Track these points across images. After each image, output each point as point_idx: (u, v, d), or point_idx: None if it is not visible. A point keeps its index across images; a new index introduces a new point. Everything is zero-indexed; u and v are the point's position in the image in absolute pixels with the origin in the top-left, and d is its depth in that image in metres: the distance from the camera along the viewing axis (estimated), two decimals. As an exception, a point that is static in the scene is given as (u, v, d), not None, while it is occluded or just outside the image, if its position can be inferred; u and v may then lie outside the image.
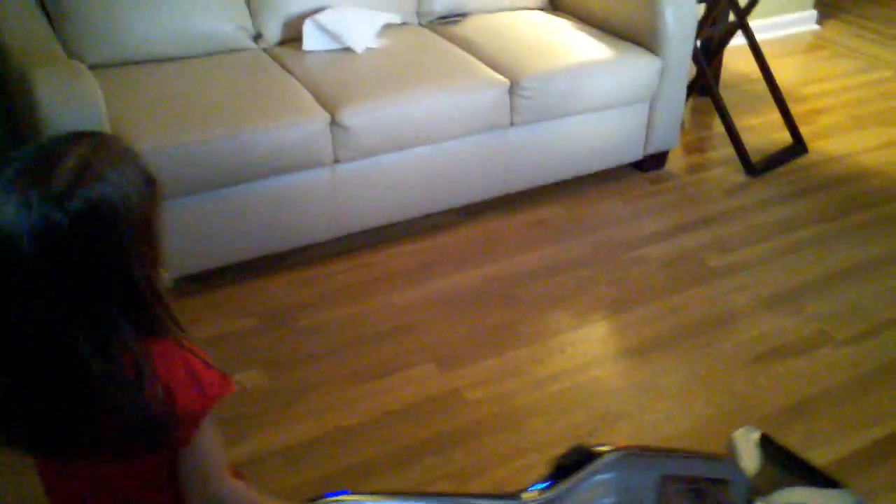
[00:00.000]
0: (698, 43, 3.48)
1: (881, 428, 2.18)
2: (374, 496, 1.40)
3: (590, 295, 2.69)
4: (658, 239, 2.97)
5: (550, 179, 3.13)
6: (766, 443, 1.91)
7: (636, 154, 3.28)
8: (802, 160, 3.50)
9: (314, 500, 1.18)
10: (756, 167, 3.38)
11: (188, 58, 2.85)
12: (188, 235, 2.52)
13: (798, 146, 3.55)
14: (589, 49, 3.07)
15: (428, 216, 2.95)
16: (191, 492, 1.11)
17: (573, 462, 1.42)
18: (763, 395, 2.29)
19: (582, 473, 1.39)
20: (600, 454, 1.41)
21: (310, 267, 2.76)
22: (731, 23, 3.69)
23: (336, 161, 2.66)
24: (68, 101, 2.22)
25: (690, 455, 1.67)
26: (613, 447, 1.45)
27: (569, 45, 3.10)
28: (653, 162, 3.37)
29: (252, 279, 2.69)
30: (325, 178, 2.67)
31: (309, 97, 2.69)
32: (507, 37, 3.16)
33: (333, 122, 2.61)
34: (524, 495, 1.39)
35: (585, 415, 2.21)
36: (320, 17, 2.98)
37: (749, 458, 1.86)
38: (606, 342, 2.53)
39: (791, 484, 1.81)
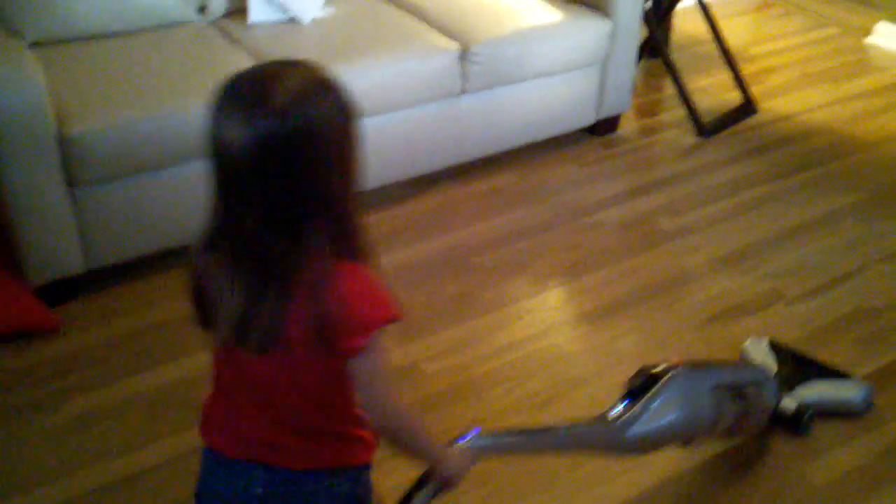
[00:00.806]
0: (648, 4, 3.47)
1: (833, 383, 2.22)
2: (502, 434, 1.60)
3: (547, 261, 2.69)
4: (613, 203, 2.98)
5: (504, 147, 3.13)
6: (776, 347, 2.21)
7: (589, 118, 3.28)
8: (753, 120, 3.53)
9: (450, 442, 1.38)
10: (708, 128, 3.40)
11: (132, 33, 2.78)
12: (149, 213, 2.48)
13: (748, 106, 3.57)
14: (539, 13, 3.05)
15: (381, 188, 2.92)
16: (370, 399, 1.21)
17: (642, 382, 1.66)
18: (717, 353, 2.32)
19: (652, 392, 1.63)
20: (662, 374, 1.66)
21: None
22: (681, -17, 3.69)
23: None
24: (7, 81, 2.16)
25: (729, 365, 1.97)
26: (671, 364, 1.69)
27: (519, 9, 3.08)
28: (606, 126, 3.37)
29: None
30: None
31: (256, 70, 2.64)
32: (457, 2, 3.13)
33: (282, 95, 2.57)
34: (610, 416, 1.63)
35: (545, 382, 2.23)
36: (266, -13, 2.93)
37: (766, 362, 2.16)
38: (564, 308, 2.54)
39: (807, 378, 2.13)
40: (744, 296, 2.54)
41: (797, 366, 2.20)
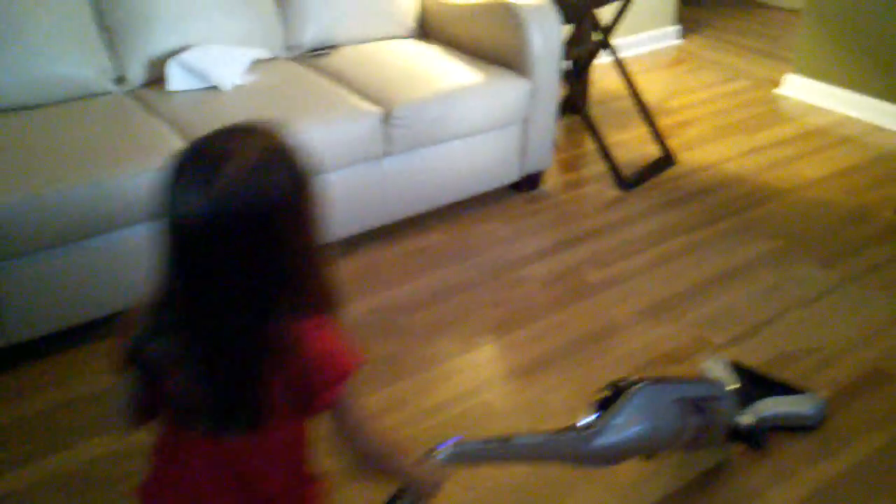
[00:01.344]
0: (566, 63, 3.56)
1: (759, 428, 2.26)
2: (478, 442, 1.64)
3: (474, 319, 2.70)
4: (539, 258, 3.01)
5: (429, 206, 3.14)
6: (736, 366, 2.29)
7: (512, 176, 3.32)
8: (672, 172, 3.61)
9: (429, 452, 1.48)
10: (628, 181, 3.47)
11: (44, 105, 2.75)
12: (59, 289, 2.42)
13: (667, 158, 3.66)
14: (459, 75, 3.10)
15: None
16: (347, 439, 1.23)
17: (610, 395, 1.75)
18: (646, 405, 2.33)
19: (619, 404, 1.72)
20: (628, 387, 1.75)
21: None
22: (596, 42, 3.79)
23: (208, 202, 2.60)
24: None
25: (690, 380, 2.06)
26: (636, 378, 1.79)
27: (439, 71, 3.12)
28: (529, 182, 3.42)
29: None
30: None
31: (176, 139, 2.63)
32: (378, 66, 3.17)
33: (203, 163, 2.55)
34: (578, 426, 1.71)
35: (475, 440, 2.21)
36: (185, 55, 2.93)
37: (726, 379, 2.22)
38: (493, 365, 2.54)
39: (765, 395, 2.20)
40: (670, 345, 2.58)
41: (755, 383, 2.27)
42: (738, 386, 2.22)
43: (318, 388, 1.16)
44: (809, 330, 2.64)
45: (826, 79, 4.25)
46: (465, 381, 2.43)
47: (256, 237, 1.06)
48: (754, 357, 2.51)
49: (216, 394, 1.12)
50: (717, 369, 2.32)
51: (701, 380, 2.17)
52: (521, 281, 2.88)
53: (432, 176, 3.07)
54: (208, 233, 1.03)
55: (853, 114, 4.12)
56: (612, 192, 3.46)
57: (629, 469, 2.07)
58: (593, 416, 1.74)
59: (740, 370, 2.32)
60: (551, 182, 3.52)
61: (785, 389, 2.28)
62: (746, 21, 5.68)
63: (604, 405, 1.76)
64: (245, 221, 1.04)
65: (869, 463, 2.15)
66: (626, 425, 1.73)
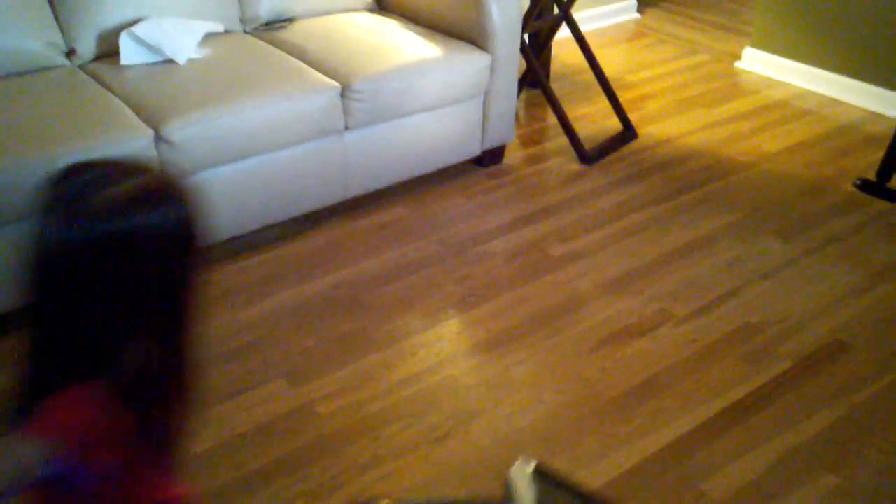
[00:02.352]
0: (526, 36, 3.53)
1: (721, 399, 2.27)
2: None
3: (438, 294, 2.68)
4: (501, 232, 3.00)
5: (391, 181, 3.11)
6: (542, 475, 1.93)
7: (474, 150, 3.30)
8: (633, 145, 3.61)
9: None
10: (590, 155, 3.46)
11: (-7, 79, 2.67)
12: (10, 267, 2.35)
13: (628, 132, 3.66)
14: (419, 48, 3.06)
15: (267, 228, 2.87)
16: None
17: None
18: (610, 378, 2.34)
19: None
20: None
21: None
22: (557, 15, 3.76)
23: (165, 178, 2.55)
24: None
25: None
26: None
27: (398, 45, 3.08)
28: (491, 156, 3.40)
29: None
30: (154, 196, 2.55)
31: (130, 113, 2.56)
32: (336, 40, 3.11)
33: (158, 138, 2.50)
34: None
35: (440, 416, 2.20)
36: (137, 28, 2.85)
37: (526, 495, 1.89)
38: (457, 340, 2.52)
39: None
40: (633, 318, 2.58)
41: (568, 497, 2.02)
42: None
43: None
44: (771, 301, 2.66)
45: (784, 53, 4.27)
46: (430, 355, 2.42)
47: (102, 275, 1.00)
48: (716, 330, 2.52)
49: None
50: (522, 479, 2.00)
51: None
52: (484, 256, 2.87)
53: (394, 150, 3.04)
54: (59, 257, 0.99)
55: (811, 87, 4.15)
56: (574, 166, 3.45)
57: (593, 441, 2.07)
58: None
59: (550, 483, 2.01)
60: (513, 156, 3.50)
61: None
62: (704, -4, 5.69)
63: None
64: (94, 255, 0.99)
65: (830, 432, 2.17)
66: None
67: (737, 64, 4.46)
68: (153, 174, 1.06)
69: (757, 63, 4.38)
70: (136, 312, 1.04)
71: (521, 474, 1.82)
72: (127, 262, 1.00)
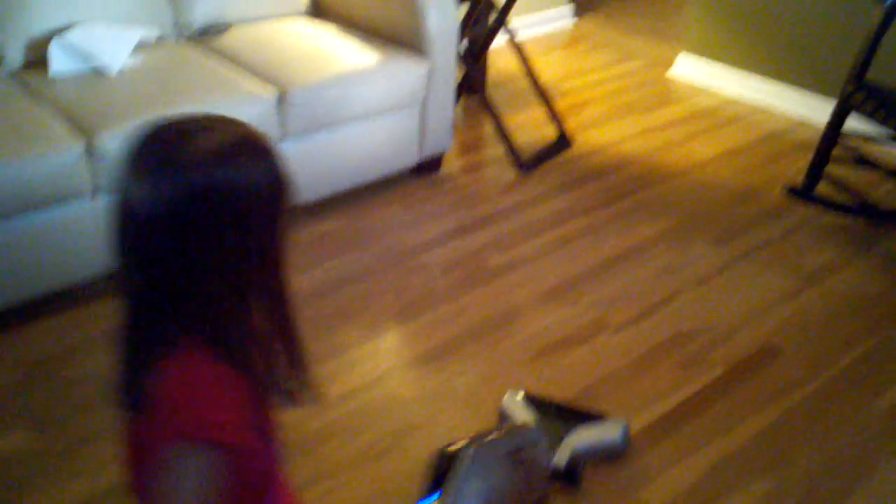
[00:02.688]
0: (463, 44, 3.54)
1: (658, 407, 2.31)
2: None
3: (377, 306, 2.67)
4: (439, 243, 3.00)
5: (328, 192, 3.09)
6: (532, 400, 2.20)
7: (412, 159, 3.29)
8: (569, 153, 3.65)
9: None
10: (527, 163, 3.49)
11: (-86, 89, 2.59)
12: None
13: (564, 140, 3.69)
14: (356, 55, 3.04)
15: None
16: None
17: (443, 467, 1.70)
18: (549, 387, 2.36)
19: (457, 475, 1.67)
20: (458, 453, 1.70)
21: (75, 309, 2.57)
22: (493, 22, 3.78)
23: (96, 191, 2.50)
24: None
25: (508, 432, 1.95)
26: (464, 443, 1.75)
27: (335, 52, 3.06)
28: (429, 165, 3.40)
29: (7, 331, 2.47)
30: (85, 210, 2.50)
31: (60, 124, 2.50)
32: (272, 47, 3.08)
33: (90, 150, 2.45)
34: None
35: (378, 432, 2.19)
36: (67, 36, 2.79)
37: (525, 416, 2.15)
38: (396, 353, 2.52)
39: (570, 427, 2.11)
40: (571, 327, 2.60)
41: (557, 415, 2.19)
42: (542, 422, 2.13)
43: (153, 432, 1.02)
44: (704, 308, 2.71)
45: (715, 58, 4.35)
46: (370, 369, 2.41)
47: (199, 228, 0.97)
48: (652, 338, 2.56)
49: (117, 367, 1.06)
50: (514, 406, 2.22)
51: (516, 429, 2.04)
52: (422, 266, 2.86)
53: (331, 160, 3.02)
54: (160, 212, 0.95)
55: (741, 93, 4.24)
56: (511, 174, 3.47)
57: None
58: (434, 498, 1.68)
59: (539, 403, 2.22)
60: (451, 165, 3.51)
61: (586, 418, 2.19)
62: (639, 2, 5.77)
63: (441, 480, 1.70)
64: (203, 207, 0.96)
65: (763, 436, 2.22)
66: (469, 494, 1.69)
67: (670, 70, 4.54)
68: (243, 126, 1.02)
69: (690, 68, 4.46)
70: (235, 270, 1.01)
71: (514, 401, 2.17)
72: (223, 215, 0.97)
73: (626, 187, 3.40)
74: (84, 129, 2.48)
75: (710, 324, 2.64)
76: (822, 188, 3.24)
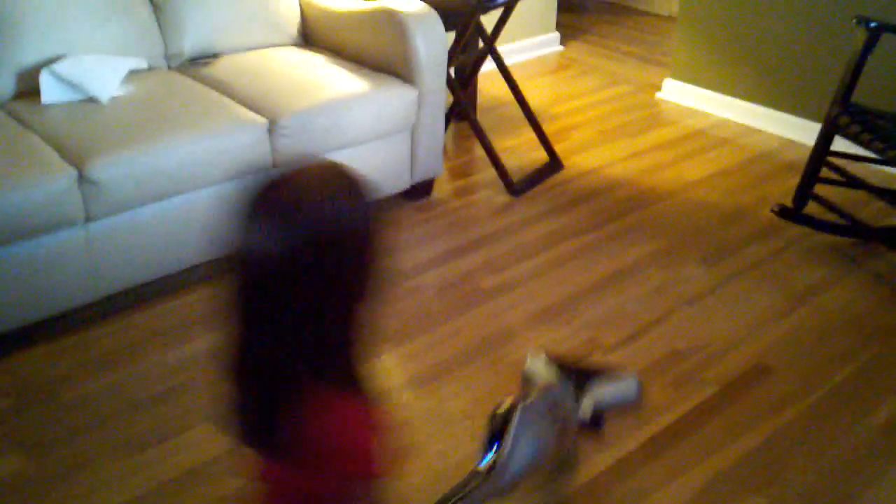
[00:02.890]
0: (452, 70, 3.57)
1: (651, 426, 2.31)
2: None
3: (370, 329, 2.66)
4: (432, 266, 3.01)
5: (320, 217, 3.09)
6: (552, 360, 2.18)
7: (403, 184, 3.31)
8: (559, 176, 3.67)
9: None
10: (518, 187, 3.51)
11: None
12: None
13: (554, 163, 3.72)
14: (346, 83, 3.07)
15: (194, 268, 2.83)
16: None
17: (496, 426, 1.76)
18: (543, 409, 2.36)
19: (510, 432, 1.73)
20: (508, 413, 1.76)
21: (68, 335, 2.57)
22: (482, 48, 3.82)
23: (88, 219, 2.50)
24: None
25: (543, 391, 2.00)
26: (513, 401, 1.80)
27: (325, 80, 3.09)
28: (420, 190, 3.42)
29: (1, 357, 2.47)
30: (77, 237, 2.50)
31: (52, 153, 2.51)
32: (263, 75, 3.11)
33: (81, 178, 2.46)
34: (481, 468, 1.70)
35: (374, 454, 2.19)
36: (58, 66, 2.80)
37: (549, 376, 2.12)
38: (390, 376, 2.52)
39: (589, 383, 2.11)
40: (563, 348, 2.61)
41: (577, 373, 2.29)
42: (564, 380, 2.25)
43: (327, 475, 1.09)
44: (696, 327, 2.72)
45: (702, 83, 4.40)
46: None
47: (333, 269, 1.04)
48: (644, 357, 2.57)
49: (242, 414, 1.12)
50: (539, 367, 2.33)
51: (550, 387, 2.17)
52: (415, 289, 2.87)
53: (322, 186, 3.03)
54: (280, 265, 1.02)
55: (728, 116, 4.28)
56: (502, 197, 3.49)
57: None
58: (491, 453, 1.74)
59: (559, 364, 2.33)
60: (442, 189, 3.53)
61: (603, 374, 2.31)
62: (624, 27, 5.83)
63: (497, 437, 1.76)
64: (324, 253, 1.03)
65: (756, 455, 2.22)
66: (524, 450, 1.75)
67: (658, 94, 4.58)
68: (346, 170, 1.09)
69: (677, 93, 4.51)
70: (348, 306, 1.09)
71: (537, 363, 2.15)
72: (342, 257, 1.04)
73: (616, 209, 3.42)
74: (76, 156, 2.50)
75: (703, 343, 2.65)
76: (811, 208, 3.26)
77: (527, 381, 2.26)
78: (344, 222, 1.04)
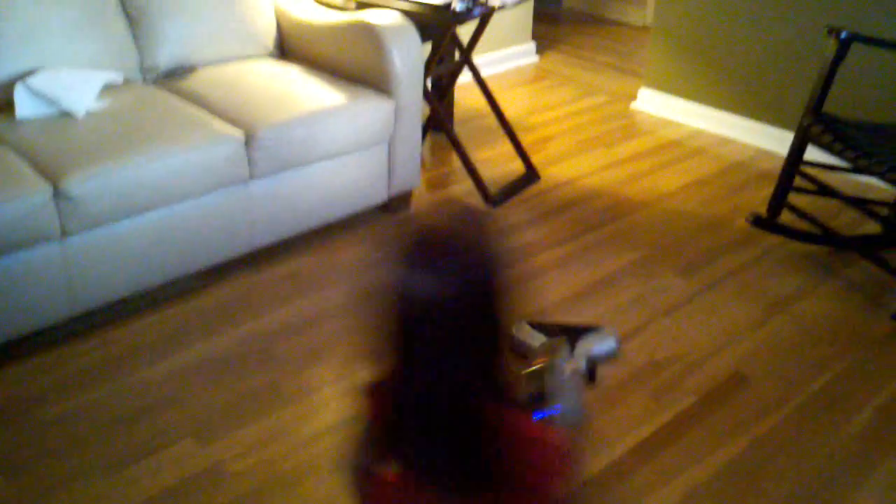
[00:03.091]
0: (429, 82, 3.58)
1: (631, 438, 2.32)
2: None
3: (349, 343, 2.67)
4: (410, 278, 3.00)
5: (298, 230, 3.09)
6: (536, 325, 2.31)
7: (381, 196, 3.31)
8: (536, 187, 3.69)
9: None
10: (495, 198, 3.52)
11: None
12: None
13: (531, 174, 3.73)
14: (322, 95, 3.07)
15: (173, 281, 2.81)
16: None
17: (535, 384, 1.81)
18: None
19: (557, 387, 1.76)
20: (546, 369, 1.81)
21: (47, 352, 2.55)
22: (458, 60, 3.83)
23: (64, 234, 2.48)
24: None
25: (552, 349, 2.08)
26: (542, 363, 1.85)
27: (302, 92, 3.08)
28: (398, 202, 3.42)
29: (-22, 374, 2.45)
30: (54, 253, 2.48)
31: (26, 168, 2.49)
32: (239, 88, 3.10)
33: (57, 193, 2.44)
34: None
35: (356, 468, 2.18)
36: (32, 80, 2.78)
37: (537, 339, 2.21)
38: (370, 389, 2.51)
39: (575, 339, 2.17)
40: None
41: (561, 332, 2.36)
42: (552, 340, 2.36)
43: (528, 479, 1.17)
44: (674, 337, 2.74)
45: (677, 92, 4.44)
46: (344, 407, 2.40)
47: (486, 299, 1.17)
48: (624, 367, 2.58)
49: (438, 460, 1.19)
50: (526, 334, 2.43)
51: (560, 344, 2.29)
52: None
53: (300, 199, 3.03)
54: (445, 310, 1.14)
55: (703, 126, 4.32)
56: (480, 208, 3.49)
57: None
58: (556, 411, 1.87)
59: (542, 326, 2.43)
60: (420, 201, 3.53)
61: (585, 329, 2.39)
62: (599, 38, 5.88)
63: (536, 396, 1.88)
64: (479, 287, 1.17)
65: (735, 465, 2.24)
66: (568, 402, 1.85)
67: (633, 104, 4.61)
68: (472, 208, 1.28)
69: (651, 103, 4.54)
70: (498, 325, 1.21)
71: (522, 330, 2.25)
72: (492, 289, 1.19)
73: (593, 220, 3.44)
74: (51, 171, 2.48)
75: (681, 353, 2.66)
76: (786, 217, 3.29)
77: (518, 345, 2.35)
78: (486, 252, 1.20)
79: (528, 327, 2.44)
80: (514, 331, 2.41)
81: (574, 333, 2.43)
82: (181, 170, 2.67)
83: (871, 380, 2.58)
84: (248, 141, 2.81)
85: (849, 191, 3.47)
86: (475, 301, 1.16)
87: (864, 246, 3.25)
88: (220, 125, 2.82)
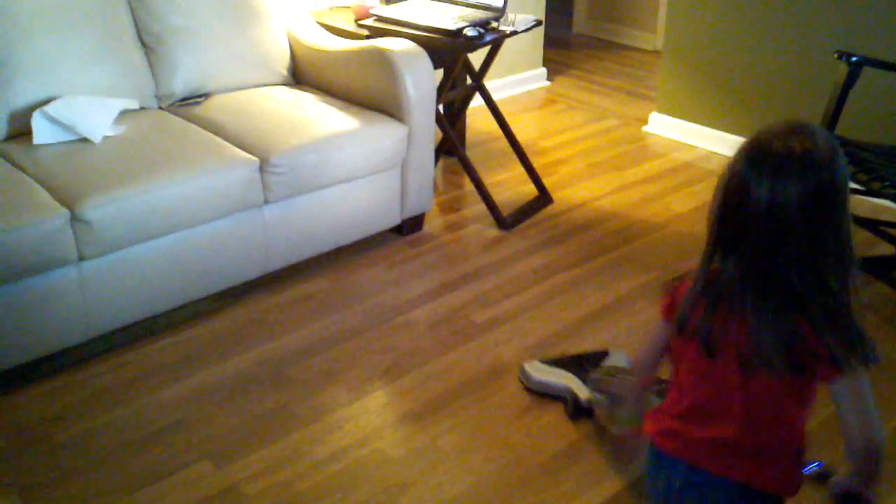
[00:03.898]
0: (441, 107, 3.61)
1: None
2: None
3: (362, 365, 2.68)
4: (423, 301, 3.02)
5: (312, 253, 3.12)
6: (550, 361, 2.62)
7: (394, 219, 3.34)
8: (549, 210, 3.70)
9: None
10: (508, 221, 3.54)
11: None
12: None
13: (544, 197, 3.75)
14: (336, 121, 3.10)
15: (188, 305, 2.84)
16: (851, 427, 1.38)
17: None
18: (536, 442, 2.37)
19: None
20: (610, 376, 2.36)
21: (63, 375, 2.58)
22: (470, 85, 3.87)
23: (81, 258, 2.51)
24: None
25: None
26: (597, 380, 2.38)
27: (315, 118, 3.12)
28: (411, 225, 3.44)
29: (-5, 397, 2.47)
30: (71, 277, 2.51)
31: (44, 193, 2.53)
32: (253, 114, 3.14)
33: (74, 218, 2.47)
34: None
35: (371, 490, 2.19)
36: (50, 107, 2.83)
37: (556, 374, 2.55)
38: (384, 412, 2.52)
39: (589, 368, 2.54)
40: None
41: (574, 364, 2.58)
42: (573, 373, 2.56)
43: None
44: (687, 359, 2.73)
45: (687, 116, 4.45)
46: (358, 428, 2.41)
47: (832, 211, 1.29)
48: (637, 389, 2.58)
49: (756, 337, 1.34)
50: (542, 372, 2.57)
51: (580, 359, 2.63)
52: (407, 325, 2.88)
53: (314, 223, 3.06)
54: (800, 205, 1.28)
55: (714, 149, 4.34)
56: (493, 232, 3.51)
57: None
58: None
59: (555, 362, 2.60)
60: (432, 224, 3.55)
61: (597, 356, 2.59)
62: (610, 62, 5.91)
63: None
64: (831, 195, 1.29)
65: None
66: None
67: (644, 128, 4.63)
68: (822, 129, 1.36)
69: (663, 127, 4.56)
70: (845, 252, 1.33)
71: (538, 370, 2.58)
72: (839, 203, 1.31)
73: (606, 242, 3.45)
74: (68, 197, 2.51)
75: (694, 374, 2.66)
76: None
77: (538, 386, 2.56)
78: (840, 173, 1.30)
79: (543, 365, 2.55)
80: (526, 368, 2.54)
81: (588, 362, 2.52)
82: (196, 195, 2.70)
83: (888, 403, 2.56)
84: (263, 166, 2.84)
85: (861, 213, 3.46)
86: None
87: (877, 267, 3.25)
88: (234, 151, 2.86)
